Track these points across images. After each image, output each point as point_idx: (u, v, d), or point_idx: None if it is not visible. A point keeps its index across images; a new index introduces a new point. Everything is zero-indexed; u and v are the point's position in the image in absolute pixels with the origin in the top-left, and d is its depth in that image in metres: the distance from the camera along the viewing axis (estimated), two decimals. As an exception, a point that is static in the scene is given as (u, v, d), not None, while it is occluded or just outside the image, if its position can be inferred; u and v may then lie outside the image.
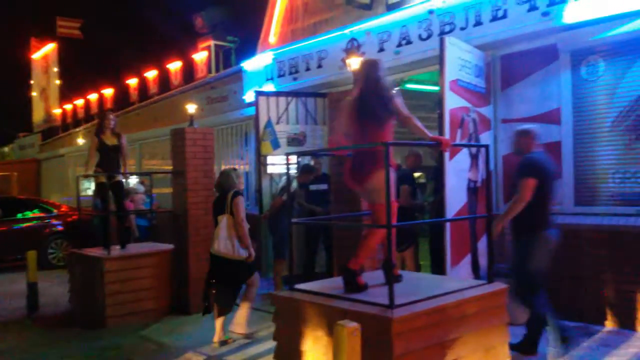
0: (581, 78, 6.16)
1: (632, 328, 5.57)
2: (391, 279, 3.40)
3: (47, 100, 28.88)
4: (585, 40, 6.01)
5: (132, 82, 18.37)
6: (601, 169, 6.02)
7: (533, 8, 6.20)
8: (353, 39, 8.42)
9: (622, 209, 5.81)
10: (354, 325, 2.94)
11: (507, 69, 6.82)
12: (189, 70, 15.45)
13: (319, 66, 9.03)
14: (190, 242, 7.09)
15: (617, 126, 5.88)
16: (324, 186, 7.62)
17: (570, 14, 5.89)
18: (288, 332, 3.86)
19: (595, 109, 6.05)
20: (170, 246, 7.36)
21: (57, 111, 26.29)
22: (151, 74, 17.06)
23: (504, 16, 6.48)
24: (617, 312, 5.69)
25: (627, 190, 5.82)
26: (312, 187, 7.72)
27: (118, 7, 29.46)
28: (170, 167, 7.67)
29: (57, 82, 27.72)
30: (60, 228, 11.85)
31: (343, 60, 8.46)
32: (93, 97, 22.19)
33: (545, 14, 6.10)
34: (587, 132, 6.12)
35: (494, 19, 6.58)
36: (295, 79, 9.45)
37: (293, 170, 7.55)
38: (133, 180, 11.74)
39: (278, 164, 8.38)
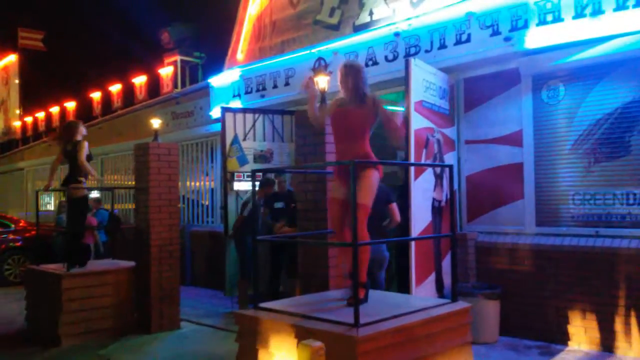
0: (542, 102, 6.33)
1: (595, 347, 5.68)
2: (357, 298, 3.40)
3: (6, 112, 28.10)
4: (546, 65, 6.19)
5: (96, 95, 18.05)
6: (562, 190, 6.17)
7: (496, 33, 6.37)
8: (320, 58, 8.48)
9: (582, 229, 5.95)
10: (318, 344, 2.92)
11: (470, 91, 6.97)
12: (154, 85, 15.27)
13: (287, 84, 9.05)
14: (152, 259, 6.96)
15: (577, 149, 6.06)
16: (289, 203, 7.60)
17: (532, 40, 6.07)
18: (252, 352, 3.80)
19: (556, 132, 6.22)
20: (131, 263, 7.21)
21: (17, 124, 25.61)
22: (115, 88, 16.81)
23: (468, 40, 6.63)
24: (579, 332, 5.80)
25: (586, 211, 5.97)
26: (277, 205, 7.69)
27: (82, 19, 29.04)
28: (133, 183, 7.53)
29: (18, 94, 27.05)
30: (18, 243, 11.48)
31: (311, 78, 8.49)
32: (55, 110, 21.71)
33: (507, 39, 6.27)
34: (548, 155, 6.28)
35: (458, 42, 6.73)
36: (262, 96, 9.45)
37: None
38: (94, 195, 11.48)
39: (244, 180, 8.33)
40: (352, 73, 4.21)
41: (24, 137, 24.04)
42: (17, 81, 27.33)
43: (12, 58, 27.74)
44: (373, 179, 4.03)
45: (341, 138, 4.20)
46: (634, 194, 5.63)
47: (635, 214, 5.62)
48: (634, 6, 5.38)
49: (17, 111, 26.62)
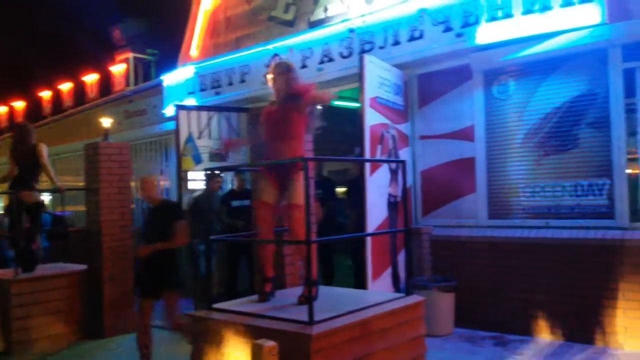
0: (493, 97, 6.44)
1: (548, 337, 5.81)
2: (311, 295, 3.37)
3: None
4: (497, 60, 6.29)
5: (45, 94, 17.50)
6: (513, 183, 6.30)
7: (448, 29, 6.44)
8: (276, 55, 8.42)
9: (533, 221, 6.09)
10: (271, 344, 2.89)
11: (424, 87, 7.04)
12: (106, 83, 14.90)
13: (242, 81, 8.96)
14: (105, 261, 6.78)
15: (527, 142, 6.19)
16: (246, 202, 7.53)
17: (483, 36, 6.16)
18: (206, 353, 3.73)
19: (507, 126, 6.34)
20: (82, 267, 7.00)
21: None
22: (66, 87, 16.33)
23: (421, 36, 6.69)
24: (533, 322, 5.93)
25: (537, 203, 6.11)
26: (235, 204, 7.61)
27: (30, 16, 28.10)
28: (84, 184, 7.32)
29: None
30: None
31: (265, 76, 8.43)
32: (2, 109, 20.96)
33: (459, 35, 6.35)
34: (499, 149, 6.40)
35: (411, 39, 6.78)
36: (217, 93, 9.33)
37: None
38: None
39: (199, 179, 8.20)
40: (279, 74, 4.16)
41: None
42: (-39, 80, 26.27)
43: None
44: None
45: (272, 138, 4.12)
46: (582, 186, 5.79)
47: (584, 205, 5.78)
48: (580, 2, 5.52)
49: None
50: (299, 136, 4.10)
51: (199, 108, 8.57)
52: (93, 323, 6.78)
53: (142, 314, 5.21)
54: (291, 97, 4.06)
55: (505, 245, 6.11)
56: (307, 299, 3.37)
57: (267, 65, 8.45)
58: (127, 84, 14.46)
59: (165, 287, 5.17)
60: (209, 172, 7.60)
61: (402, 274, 6.34)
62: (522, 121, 6.22)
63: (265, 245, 4.19)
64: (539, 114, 6.09)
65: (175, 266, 5.30)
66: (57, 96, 16.77)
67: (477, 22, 6.21)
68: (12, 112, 20.43)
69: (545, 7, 5.73)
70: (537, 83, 6.12)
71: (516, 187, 6.27)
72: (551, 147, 6.00)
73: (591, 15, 5.45)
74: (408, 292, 4.09)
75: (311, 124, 4.20)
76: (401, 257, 6.40)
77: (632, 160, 5.61)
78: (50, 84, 17.28)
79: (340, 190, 8.44)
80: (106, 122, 8.13)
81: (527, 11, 5.86)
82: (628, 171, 5.58)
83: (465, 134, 6.63)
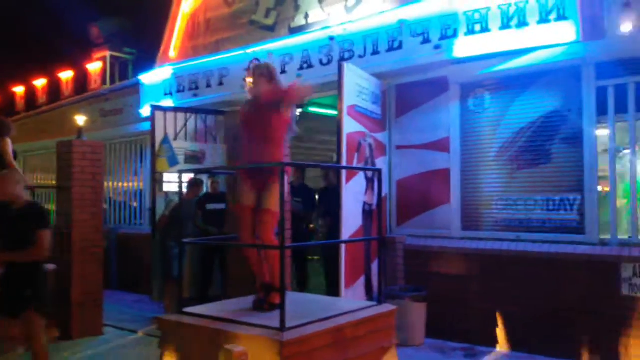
0: (469, 109, 6.53)
1: (518, 349, 5.87)
2: (283, 302, 3.36)
3: None
4: (474, 73, 6.39)
5: (19, 90, 17.17)
6: (486, 196, 6.37)
7: (426, 41, 6.51)
8: (255, 59, 8.40)
9: (504, 234, 6.17)
10: (241, 349, 2.87)
11: (402, 97, 7.10)
12: (82, 80, 14.67)
13: (220, 83, 8.92)
14: (74, 261, 6.65)
15: (500, 156, 6.28)
16: (221, 205, 7.49)
17: (460, 49, 6.24)
18: (175, 358, 3.69)
19: (482, 139, 6.43)
20: (51, 266, 6.85)
21: None
22: (40, 83, 16.05)
23: (400, 47, 6.75)
24: (502, 334, 5.99)
25: (509, 216, 6.19)
26: (209, 207, 7.56)
27: (6, 10, 27.58)
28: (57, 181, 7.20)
29: None
30: None
31: (244, 79, 8.42)
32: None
33: (437, 47, 6.42)
34: (473, 161, 6.48)
35: (390, 49, 6.83)
36: (195, 95, 9.27)
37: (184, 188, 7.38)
38: None
39: (173, 181, 8.13)
40: (260, 75, 4.17)
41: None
42: None
43: None
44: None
45: (250, 141, 4.10)
46: (553, 200, 5.88)
47: (555, 219, 5.88)
48: (556, 20, 5.63)
49: None
50: (278, 140, 4.09)
51: (175, 109, 8.51)
52: (61, 324, 6.64)
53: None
54: (271, 100, 4.05)
55: (477, 257, 6.18)
56: (279, 306, 3.36)
57: (247, 69, 8.44)
58: (104, 83, 14.27)
59: (24, 305, 4.44)
60: (193, 179, 7.54)
61: (375, 282, 6.36)
62: (497, 135, 6.31)
63: (251, 251, 4.13)
64: (514, 128, 6.18)
65: (38, 282, 4.57)
66: (32, 92, 16.45)
67: (455, 35, 6.29)
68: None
69: (522, 23, 5.83)
70: (512, 97, 6.22)
71: (489, 199, 6.35)
72: (524, 161, 6.10)
73: (566, 33, 5.56)
74: (380, 301, 4.10)
75: (291, 127, 4.19)
76: (374, 266, 6.42)
77: (602, 178, 5.73)
78: (24, 80, 16.96)
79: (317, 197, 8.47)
80: (80, 120, 8.02)
81: (504, 26, 5.95)
82: (599, 188, 5.70)
83: (441, 146, 6.69)
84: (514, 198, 6.16)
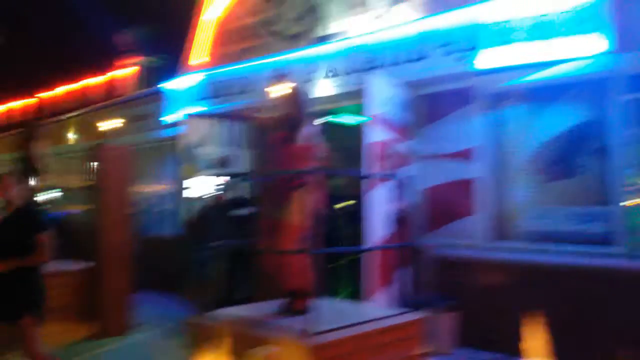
0: (495, 120, 6.50)
1: (541, 358, 5.81)
2: (310, 307, 3.42)
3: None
4: (500, 85, 6.34)
5: (50, 94, 17.58)
6: (515, 206, 6.33)
7: (450, 52, 6.53)
8: (277, 69, 8.50)
9: (533, 245, 6.11)
10: (270, 352, 2.93)
11: (427, 107, 7.09)
12: (111, 86, 14.98)
13: (245, 91, 9.04)
14: (106, 262, 6.79)
15: (528, 167, 6.25)
16: (245, 211, 7.57)
17: (485, 60, 6.24)
18: (204, 359, 3.76)
19: (509, 150, 6.41)
20: (84, 265, 7.01)
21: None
22: (71, 88, 16.43)
23: (424, 58, 6.78)
24: (532, 345, 5.91)
25: (537, 228, 6.14)
26: (235, 212, 7.64)
27: (38, 18, 28.21)
28: (86, 184, 7.36)
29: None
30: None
31: (269, 87, 8.53)
32: (3, 108, 21.02)
33: (461, 58, 6.43)
34: (501, 172, 6.45)
35: (414, 59, 6.87)
36: (220, 101, 9.41)
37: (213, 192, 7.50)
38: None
39: (200, 186, 8.24)
40: (288, 98, 4.22)
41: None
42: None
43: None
44: (306, 199, 4.00)
45: (276, 153, 4.16)
46: (582, 212, 5.84)
47: (583, 231, 5.82)
48: (586, 32, 5.61)
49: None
50: (301, 161, 4.07)
51: (202, 115, 8.65)
52: (94, 323, 6.78)
53: None
54: (292, 126, 4.09)
55: (507, 268, 6.13)
56: (305, 311, 3.42)
57: (271, 78, 8.54)
58: (132, 89, 14.53)
59: (21, 311, 4.32)
60: (222, 183, 7.65)
61: (403, 290, 6.36)
62: (525, 146, 6.29)
63: (270, 260, 4.18)
64: (541, 140, 6.16)
65: (34, 287, 4.46)
66: (63, 97, 16.83)
67: (479, 47, 6.30)
68: (18, 112, 20.48)
69: (550, 35, 5.82)
70: (540, 109, 6.21)
71: (518, 210, 6.32)
72: (552, 173, 6.07)
73: (597, 44, 5.53)
74: (408, 309, 4.12)
75: (317, 151, 4.17)
76: (402, 274, 6.43)
77: (632, 191, 5.69)
78: (56, 85, 17.36)
79: (342, 205, 8.50)
80: (110, 124, 8.19)
81: (531, 38, 5.95)
82: (628, 201, 5.65)
83: (467, 155, 6.68)
84: (542, 209, 6.13)
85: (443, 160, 6.91)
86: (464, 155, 6.72)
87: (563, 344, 5.71)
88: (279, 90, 6.98)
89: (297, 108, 4.18)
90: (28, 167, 6.64)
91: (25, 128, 6.93)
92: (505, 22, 6.10)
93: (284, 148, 4.10)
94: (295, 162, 4.06)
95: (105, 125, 8.23)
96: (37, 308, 4.42)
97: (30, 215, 4.48)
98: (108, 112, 12.97)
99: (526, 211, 6.24)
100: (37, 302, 4.44)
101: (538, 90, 6.16)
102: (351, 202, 7.83)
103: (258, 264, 5.91)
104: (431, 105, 7.06)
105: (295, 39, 8.85)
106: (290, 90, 4.29)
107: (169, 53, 14.00)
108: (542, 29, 5.86)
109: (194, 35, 10.58)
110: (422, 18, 6.86)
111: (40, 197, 10.24)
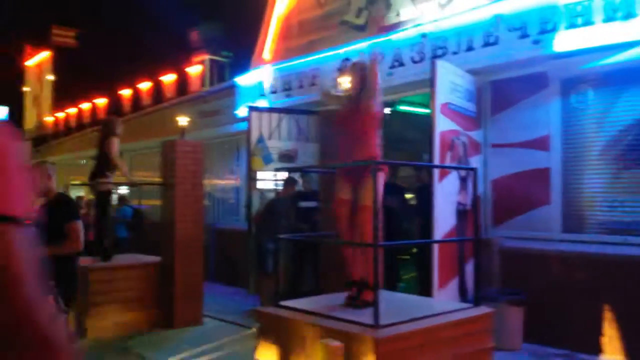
0: (571, 106, 6.24)
1: (622, 357, 5.56)
2: (377, 299, 3.40)
3: (39, 107, 28.79)
4: (575, 69, 6.10)
5: (126, 92, 18.39)
6: (589, 196, 6.07)
7: (524, 36, 6.29)
8: (346, 59, 8.49)
9: (609, 237, 5.85)
10: (337, 344, 2.94)
11: (498, 94, 6.90)
12: (182, 83, 15.49)
13: (312, 84, 9.08)
14: (177, 255, 7.05)
15: (605, 155, 5.96)
16: (312, 203, 7.64)
17: (561, 43, 5.98)
18: (271, 349, 3.84)
19: (585, 137, 6.13)
20: (156, 258, 7.31)
21: (49, 119, 26.19)
22: (144, 86, 17.11)
23: (496, 42, 6.57)
24: (605, 341, 5.70)
25: (614, 219, 5.87)
26: (302, 204, 7.73)
27: (114, 18, 29.52)
28: (160, 179, 7.64)
29: (50, 90, 27.66)
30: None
31: (337, 79, 8.52)
32: (85, 106, 22.16)
33: (536, 42, 6.19)
34: (575, 160, 6.19)
35: (486, 44, 6.67)
36: (288, 95, 9.50)
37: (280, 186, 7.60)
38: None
39: (268, 179, 8.39)
40: (356, 72, 4.28)
41: (55, 132, 24.59)
42: (50, 77, 27.96)
43: (45, 55, 28.39)
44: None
45: (344, 138, 4.22)
46: (664, 202, 5.51)
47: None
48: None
49: (49, 107, 27.21)
50: (371, 135, 4.15)
51: (270, 110, 8.77)
52: (164, 313, 7.07)
53: None
54: (362, 97, 4.16)
55: (579, 261, 5.90)
56: (371, 303, 3.40)
57: (338, 69, 8.54)
58: (203, 85, 14.95)
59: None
60: (287, 177, 7.76)
61: (469, 284, 6.24)
62: (601, 132, 5.99)
63: (346, 246, 4.22)
64: (619, 126, 5.85)
65: (68, 277, 4.30)
66: (137, 94, 17.58)
67: (555, 29, 6.03)
68: (94, 109, 21.55)
69: (629, 15, 5.50)
70: (617, 93, 5.89)
71: (593, 200, 6.04)
72: (631, 160, 5.75)
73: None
74: (476, 303, 4.04)
75: (381, 119, 4.24)
76: (469, 267, 6.30)
77: None
78: (130, 83, 18.13)
79: (409, 196, 8.42)
80: (183, 120, 8.46)
81: (609, 19, 5.63)
82: None
83: (540, 144, 6.45)
84: (619, 199, 5.83)
85: (514, 149, 6.69)
86: (536, 143, 6.48)
87: (636, 341, 5.43)
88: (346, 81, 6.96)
89: (363, 79, 4.23)
90: (106, 162, 6.94)
91: (103, 125, 7.24)
92: (582, 2, 5.80)
93: (353, 122, 4.12)
94: (367, 132, 4.12)
95: (180, 121, 8.49)
96: (71, 298, 4.35)
97: (63, 204, 4.46)
98: (182, 107, 13.42)
99: (602, 201, 5.95)
100: (70, 293, 4.35)
101: (616, 73, 5.84)
102: (417, 194, 7.74)
103: (328, 253, 5.96)
104: (502, 92, 6.85)
105: (361, 29, 8.80)
106: (356, 65, 4.32)
107: (240, 48, 14.31)
108: (621, 8, 5.54)
109: (262, 30, 10.73)
110: (493, 2, 6.64)
111: (117, 192, 10.77)
